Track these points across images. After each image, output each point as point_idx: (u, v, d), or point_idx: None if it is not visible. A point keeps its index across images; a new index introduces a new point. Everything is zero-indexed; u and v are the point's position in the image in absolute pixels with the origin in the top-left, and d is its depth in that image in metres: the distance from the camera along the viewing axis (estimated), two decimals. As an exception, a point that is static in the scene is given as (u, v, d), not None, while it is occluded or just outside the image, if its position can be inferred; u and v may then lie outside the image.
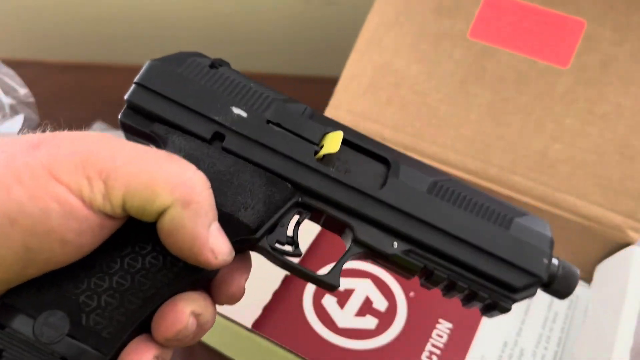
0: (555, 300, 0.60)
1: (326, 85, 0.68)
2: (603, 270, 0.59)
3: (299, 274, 0.35)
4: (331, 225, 0.36)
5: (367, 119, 0.63)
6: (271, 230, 0.34)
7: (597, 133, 0.57)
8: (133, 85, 0.35)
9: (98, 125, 0.78)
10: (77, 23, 0.93)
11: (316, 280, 0.34)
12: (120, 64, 0.89)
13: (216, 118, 0.34)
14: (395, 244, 0.34)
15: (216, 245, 0.29)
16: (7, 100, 0.67)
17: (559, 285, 0.35)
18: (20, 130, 0.66)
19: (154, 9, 0.92)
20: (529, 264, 0.35)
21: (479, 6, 0.63)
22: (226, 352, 0.57)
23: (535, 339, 0.56)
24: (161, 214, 0.28)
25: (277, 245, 0.34)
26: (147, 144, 0.34)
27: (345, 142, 0.36)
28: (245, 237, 0.32)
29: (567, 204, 0.57)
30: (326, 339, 0.52)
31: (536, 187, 0.58)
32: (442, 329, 0.54)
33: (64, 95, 0.83)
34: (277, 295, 0.54)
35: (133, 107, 0.34)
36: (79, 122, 0.77)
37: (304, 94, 0.84)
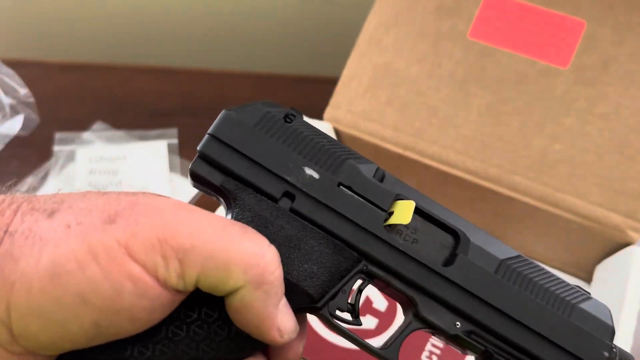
0: (555, 300, 0.60)
1: (326, 85, 0.68)
2: (603, 270, 0.59)
3: (357, 344, 0.34)
4: (393, 295, 0.35)
5: (367, 119, 0.63)
6: (332, 297, 0.33)
7: (597, 133, 0.57)
8: (206, 136, 0.34)
9: (98, 125, 0.78)
10: (77, 23, 0.93)
11: (375, 354, 0.34)
12: (120, 64, 0.89)
13: (288, 178, 0.33)
14: (458, 324, 0.34)
15: (283, 324, 0.29)
16: (7, 101, 0.67)
17: None
18: (20, 130, 0.66)
19: (154, 9, 0.92)
20: (589, 356, 0.34)
21: (479, 6, 0.63)
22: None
23: (535, 338, 0.55)
24: (232, 291, 0.28)
25: (338, 312, 0.33)
26: (215, 196, 0.34)
27: (415, 209, 0.34)
28: (306, 306, 0.32)
29: (567, 204, 0.57)
30: (326, 338, 0.52)
31: (536, 187, 0.58)
32: (442, 329, 0.54)
33: (64, 95, 0.83)
34: (277, 295, 0.54)
35: (205, 158, 0.33)
36: (79, 122, 0.78)
37: (304, 94, 0.84)
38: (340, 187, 0.34)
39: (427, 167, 0.61)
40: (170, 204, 0.29)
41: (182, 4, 0.92)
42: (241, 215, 0.32)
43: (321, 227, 0.33)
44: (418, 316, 0.33)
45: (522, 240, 0.63)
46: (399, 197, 0.34)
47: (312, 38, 0.97)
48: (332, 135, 0.65)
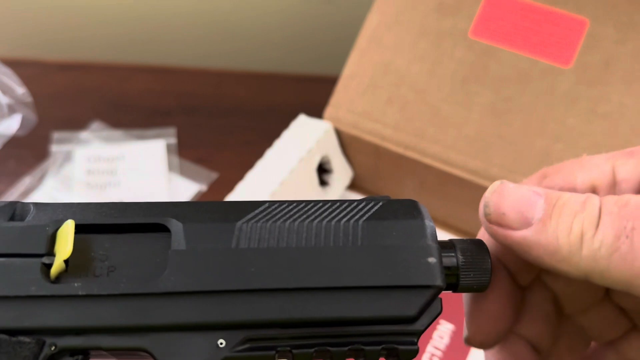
0: (557, 301, 0.60)
1: (326, 85, 0.67)
2: (605, 271, 0.58)
3: None
4: (126, 356, 0.25)
5: (368, 119, 0.63)
6: None
7: (599, 133, 0.57)
8: None
9: (96, 124, 0.77)
10: (75, 22, 0.93)
11: None
12: (119, 63, 0.89)
13: None
14: (222, 342, 0.23)
15: None
16: (5, 100, 0.66)
17: (469, 278, 0.26)
18: (18, 130, 0.65)
19: (152, 7, 0.92)
20: (409, 276, 0.24)
21: (480, 5, 0.62)
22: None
23: (538, 340, 0.55)
24: None
25: None
26: None
27: (90, 228, 0.24)
28: None
29: (570, 204, 0.56)
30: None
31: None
32: (444, 330, 0.53)
33: (62, 95, 0.82)
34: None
35: None
36: (77, 122, 0.77)
37: (304, 93, 0.84)
38: None
39: (428, 167, 0.61)
40: None
41: (181, 2, 0.92)
42: None
43: None
44: None
45: (524, 241, 0.63)
46: (59, 226, 0.24)
47: (312, 37, 0.96)
48: (333, 134, 0.64)
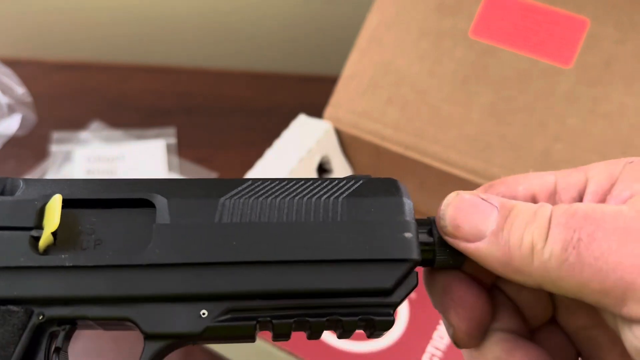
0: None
1: (326, 85, 0.67)
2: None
3: None
4: (112, 326, 0.25)
5: (368, 119, 0.63)
6: None
7: (599, 133, 0.57)
8: None
9: (95, 124, 0.77)
10: (75, 21, 0.93)
11: None
12: (118, 62, 0.89)
13: None
14: (204, 312, 0.24)
15: None
16: (5, 100, 0.66)
17: (445, 254, 0.26)
18: (18, 130, 0.65)
19: (152, 7, 0.92)
20: (386, 250, 0.25)
21: (480, 4, 0.62)
22: (225, 354, 0.56)
23: (538, 340, 0.55)
24: None
25: None
26: None
27: (77, 203, 0.25)
28: None
29: (570, 204, 0.56)
30: (326, 341, 0.52)
31: (538, 187, 0.57)
32: (444, 330, 0.53)
33: (62, 95, 0.82)
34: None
35: None
36: (77, 122, 0.77)
37: (304, 93, 0.84)
38: None
39: (428, 167, 0.61)
40: None
41: (181, 2, 0.92)
42: None
43: None
44: (147, 336, 0.24)
45: (524, 241, 0.63)
46: (47, 201, 0.25)
47: (312, 37, 0.96)
48: (333, 134, 0.64)
